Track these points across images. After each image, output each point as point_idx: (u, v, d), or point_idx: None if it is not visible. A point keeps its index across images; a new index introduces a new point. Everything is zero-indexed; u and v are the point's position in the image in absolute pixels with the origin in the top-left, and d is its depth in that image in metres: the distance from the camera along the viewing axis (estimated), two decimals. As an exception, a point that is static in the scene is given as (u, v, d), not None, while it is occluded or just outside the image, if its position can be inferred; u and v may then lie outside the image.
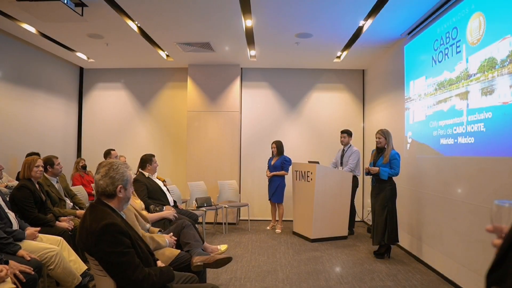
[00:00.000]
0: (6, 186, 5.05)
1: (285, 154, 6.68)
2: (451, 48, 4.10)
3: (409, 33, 5.34)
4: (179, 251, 2.94)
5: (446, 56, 4.21)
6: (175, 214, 3.84)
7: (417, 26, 5.01)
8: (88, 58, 7.11)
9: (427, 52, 4.73)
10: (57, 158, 4.42)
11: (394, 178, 4.87)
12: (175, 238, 3.10)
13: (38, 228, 3.40)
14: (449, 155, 4.13)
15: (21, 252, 2.92)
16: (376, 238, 4.86)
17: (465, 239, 3.78)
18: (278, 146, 6.62)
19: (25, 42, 6.05)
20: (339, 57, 6.94)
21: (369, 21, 5.11)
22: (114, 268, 1.96)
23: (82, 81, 7.96)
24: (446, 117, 4.18)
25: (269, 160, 6.81)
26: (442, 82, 4.28)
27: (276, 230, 6.52)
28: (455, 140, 3.97)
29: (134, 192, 3.90)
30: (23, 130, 6.15)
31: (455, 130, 3.98)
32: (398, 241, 4.88)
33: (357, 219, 6.85)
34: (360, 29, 5.46)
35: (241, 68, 7.68)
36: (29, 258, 2.89)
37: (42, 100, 6.68)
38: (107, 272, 1.98)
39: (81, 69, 7.91)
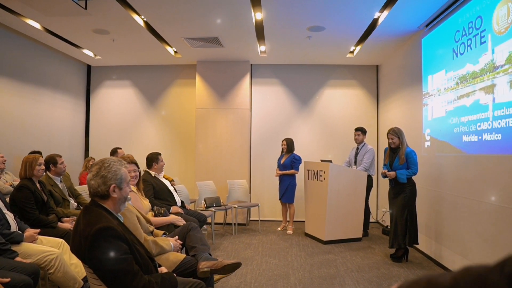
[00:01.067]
0: (11, 185, 4.95)
1: (296, 152, 6.47)
2: (474, 39, 3.84)
3: (427, 25, 5.07)
4: (184, 255, 2.75)
5: (469, 47, 3.95)
6: (183, 221, 3.62)
7: (436, 17, 4.75)
8: (95, 55, 6.98)
9: (447, 44, 4.46)
10: (60, 156, 4.26)
11: (413, 177, 4.62)
12: (181, 242, 2.91)
13: (38, 230, 3.25)
14: (472, 153, 3.87)
15: (17, 259, 2.77)
16: (396, 240, 4.61)
17: (489, 242, 3.52)
18: (289, 144, 6.42)
19: (31, 38, 5.94)
20: (352, 52, 6.70)
21: (385, 13, 4.86)
22: (110, 276, 1.77)
23: (89, 79, 7.84)
24: (469, 113, 3.92)
25: (279, 158, 6.61)
26: (465, 76, 4.02)
27: (288, 231, 6.31)
28: (479, 137, 3.71)
29: (143, 192, 3.72)
30: (28, 129, 6.04)
31: (479, 126, 3.72)
32: (417, 243, 4.62)
33: (371, 220, 6.60)
34: (375, 22, 5.22)
35: (251, 65, 7.48)
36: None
37: (49, 99, 6.56)
38: (102, 281, 1.80)
39: (89, 66, 7.79)
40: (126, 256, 1.79)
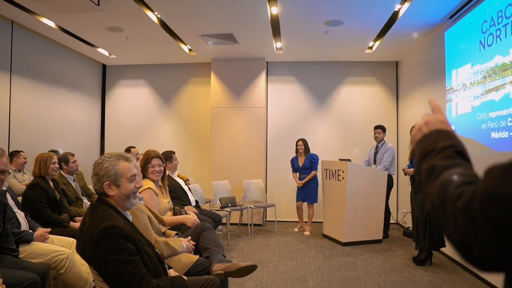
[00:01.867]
0: (27, 185, 4.93)
1: (314, 151, 6.31)
2: (504, 28, 3.61)
3: (450, 17, 4.85)
4: (197, 257, 2.62)
5: (498, 38, 3.72)
6: (196, 221, 3.41)
7: (461, 8, 4.52)
8: (109, 54, 6.95)
9: (473, 36, 4.23)
10: (73, 155, 4.21)
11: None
12: (194, 243, 2.79)
13: (48, 229, 3.18)
14: (502, 151, 3.64)
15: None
16: (418, 242, 4.41)
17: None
18: (306, 144, 6.25)
19: (47, 38, 5.93)
20: (371, 47, 6.49)
21: (406, 5, 4.66)
22: (115, 279, 1.66)
23: (105, 78, 7.83)
24: (498, 108, 3.69)
25: (293, 160, 6.38)
26: (493, 68, 3.79)
27: (305, 232, 6.13)
28: (510, 133, 3.49)
29: (167, 189, 3.61)
30: (44, 128, 6.02)
31: (510, 121, 3.49)
32: (444, 246, 4.37)
33: (392, 221, 6.37)
34: (395, 15, 5.01)
35: (267, 62, 7.33)
36: None
37: (64, 98, 6.55)
38: (107, 284, 1.68)
39: (104, 66, 7.78)
40: (133, 257, 1.67)
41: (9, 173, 3.89)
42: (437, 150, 0.81)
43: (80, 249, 1.75)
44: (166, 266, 2.02)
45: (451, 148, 0.81)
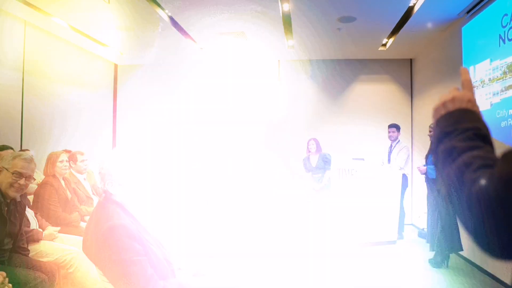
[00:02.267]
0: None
1: (326, 151, 6.18)
2: (525, 22, 3.48)
3: (468, 12, 4.70)
4: (207, 257, 2.56)
5: (518, 32, 3.59)
6: None
7: (479, 2, 4.38)
8: (121, 53, 6.94)
9: (492, 30, 4.09)
10: (82, 154, 4.19)
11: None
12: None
13: (58, 228, 3.16)
14: (523, 149, 3.50)
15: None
16: (433, 244, 4.29)
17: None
18: (318, 144, 6.10)
19: (59, 38, 5.94)
20: (384, 45, 6.36)
21: (421, 0, 4.53)
22: (120, 280, 1.60)
23: (116, 77, 7.83)
24: (519, 104, 3.56)
25: (305, 160, 6.24)
26: (514, 64, 3.65)
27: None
28: (532, 131, 3.35)
29: None
30: (56, 129, 6.02)
31: (531, 118, 3.36)
32: (461, 249, 4.23)
33: (406, 222, 6.23)
34: (410, 10, 4.88)
35: (278, 60, 7.25)
36: None
37: (76, 97, 6.56)
38: (112, 285, 1.63)
39: (116, 66, 7.79)
40: (139, 258, 1.61)
41: (34, 179, 3.89)
42: (458, 131, 0.77)
43: (86, 249, 1.70)
44: (175, 267, 1.96)
45: (473, 130, 0.76)
